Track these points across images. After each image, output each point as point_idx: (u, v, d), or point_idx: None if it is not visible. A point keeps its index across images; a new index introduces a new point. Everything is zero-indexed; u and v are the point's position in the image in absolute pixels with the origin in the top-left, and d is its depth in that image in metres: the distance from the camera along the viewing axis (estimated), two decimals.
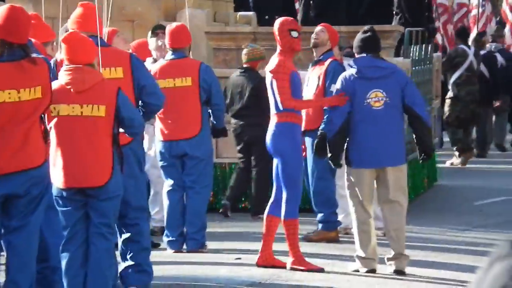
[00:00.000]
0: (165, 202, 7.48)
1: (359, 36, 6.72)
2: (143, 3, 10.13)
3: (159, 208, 7.96)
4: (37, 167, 5.12)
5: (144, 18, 10.16)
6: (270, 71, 6.74)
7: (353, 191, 6.68)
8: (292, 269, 6.70)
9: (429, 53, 10.86)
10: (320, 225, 7.95)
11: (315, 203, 7.96)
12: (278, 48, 6.83)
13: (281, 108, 6.70)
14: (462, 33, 12.96)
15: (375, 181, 6.70)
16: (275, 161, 6.80)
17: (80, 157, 5.38)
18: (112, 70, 5.75)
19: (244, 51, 8.71)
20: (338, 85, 6.73)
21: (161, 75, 7.41)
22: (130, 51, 7.13)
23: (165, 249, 7.49)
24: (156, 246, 7.50)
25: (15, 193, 5.10)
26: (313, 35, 7.94)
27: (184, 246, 7.44)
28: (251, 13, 10.93)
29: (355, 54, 6.80)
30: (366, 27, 6.84)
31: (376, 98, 6.60)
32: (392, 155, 6.61)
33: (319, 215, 7.95)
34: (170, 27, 7.49)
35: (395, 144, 6.62)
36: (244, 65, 8.75)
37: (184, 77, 7.36)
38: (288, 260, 6.74)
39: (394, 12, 11.54)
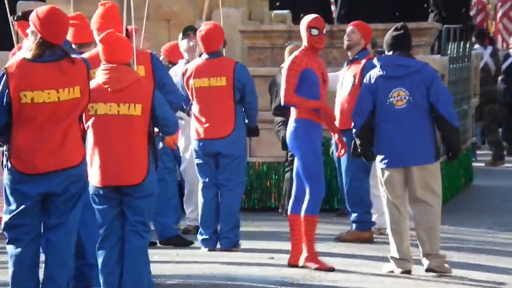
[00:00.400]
0: (200, 200, 7.56)
1: (390, 33, 6.72)
2: (179, 2, 10.16)
3: (194, 207, 7.98)
4: (75, 166, 5.21)
5: (180, 17, 10.19)
6: (282, 66, 6.79)
7: (385, 190, 6.68)
8: (304, 266, 6.72)
9: (467, 50, 10.74)
10: (353, 225, 7.92)
11: (348, 203, 7.96)
12: (303, 45, 6.83)
13: (283, 102, 6.75)
14: (479, 34, 12.89)
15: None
16: (295, 159, 6.83)
17: (117, 155, 5.48)
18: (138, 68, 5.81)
19: (287, 49, 8.71)
20: (361, 92, 6.74)
21: (196, 74, 7.50)
22: (149, 50, 7.15)
23: (199, 247, 7.52)
24: (189, 244, 7.51)
25: (53, 192, 5.21)
26: (345, 37, 7.97)
27: (218, 245, 7.46)
28: (286, 11, 10.93)
29: (385, 52, 6.78)
30: (398, 24, 6.81)
31: (399, 97, 6.56)
32: (417, 155, 6.57)
33: (353, 215, 7.96)
34: (200, 32, 7.54)
35: (421, 143, 6.58)
36: None
37: (219, 77, 7.43)
38: (302, 256, 6.75)
39: (429, 10, 11.43)
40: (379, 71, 6.63)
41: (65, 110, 5.15)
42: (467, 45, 10.83)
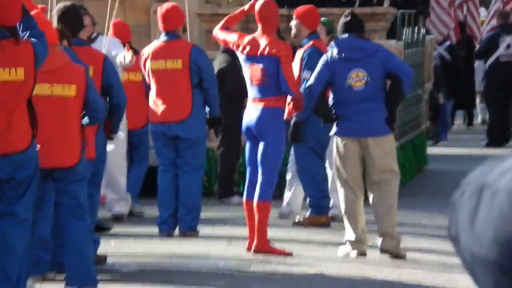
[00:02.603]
0: (158, 182, 7.48)
1: (341, 19, 6.77)
2: None
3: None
4: (21, 152, 5.04)
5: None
6: (278, 54, 6.63)
7: (339, 169, 6.67)
8: (255, 252, 6.66)
9: (421, 36, 10.79)
10: (310, 210, 7.91)
11: (304, 187, 7.91)
12: (261, 29, 6.71)
13: (291, 93, 6.63)
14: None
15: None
16: (248, 144, 6.76)
17: (50, 137, 5.34)
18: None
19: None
20: (319, 66, 6.72)
21: (153, 56, 7.39)
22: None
23: (156, 235, 7.43)
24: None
25: None
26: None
27: (177, 231, 7.41)
28: None
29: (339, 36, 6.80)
30: (347, 11, 6.83)
31: (357, 78, 6.61)
32: (373, 127, 6.61)
33: (309, 199, 7.91)
34: (161, 9, 7.44)
35: (376, 117, 6.61)
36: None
37: (175, 59, 7.32)
38: (254, 244, 6.70)
39: None
40: (337, 54, 6.64)
41: (7, 93, 4.94)
42: (422, 30, 10.87)
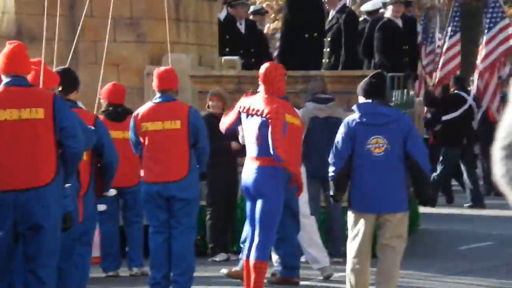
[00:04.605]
0: (150, 244, 7.21)
1: (366, 80, 6.48)
2: (128, 47, 9.94)
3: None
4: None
5: (129, 62, 9.96)
6: (268, 116, 6.52)
7: (352, 236, 6.43)
8: None
9: (410, 98, 10.74)
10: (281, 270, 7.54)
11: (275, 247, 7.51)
12: (264, 92, 6.61)
13: (272, 153, 6.46)
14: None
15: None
16: (249, 204, 6.58)
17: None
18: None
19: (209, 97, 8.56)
20: (341, 128, 6.50)
21: (149, 117, 7.22)
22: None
23: None
24: None
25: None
26: None
27: None
28: (235, 57, 10.81)
29: (361, 98, 6.47)
30: (374, 72, 6.62)
31: (377, 145, 6.36)
32: (391, 203, 6.37)
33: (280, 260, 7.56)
34: (158, 70, 7.33)
35: (395, 191, 6.38)
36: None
37: (173, 120, 7.17)
38: None
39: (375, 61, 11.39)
40: (358, 118, 6.40)
41: (28, 130, 5.19)
42: (410, 93, 10.82)
